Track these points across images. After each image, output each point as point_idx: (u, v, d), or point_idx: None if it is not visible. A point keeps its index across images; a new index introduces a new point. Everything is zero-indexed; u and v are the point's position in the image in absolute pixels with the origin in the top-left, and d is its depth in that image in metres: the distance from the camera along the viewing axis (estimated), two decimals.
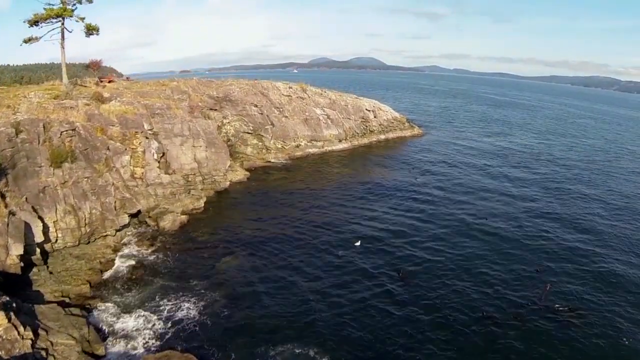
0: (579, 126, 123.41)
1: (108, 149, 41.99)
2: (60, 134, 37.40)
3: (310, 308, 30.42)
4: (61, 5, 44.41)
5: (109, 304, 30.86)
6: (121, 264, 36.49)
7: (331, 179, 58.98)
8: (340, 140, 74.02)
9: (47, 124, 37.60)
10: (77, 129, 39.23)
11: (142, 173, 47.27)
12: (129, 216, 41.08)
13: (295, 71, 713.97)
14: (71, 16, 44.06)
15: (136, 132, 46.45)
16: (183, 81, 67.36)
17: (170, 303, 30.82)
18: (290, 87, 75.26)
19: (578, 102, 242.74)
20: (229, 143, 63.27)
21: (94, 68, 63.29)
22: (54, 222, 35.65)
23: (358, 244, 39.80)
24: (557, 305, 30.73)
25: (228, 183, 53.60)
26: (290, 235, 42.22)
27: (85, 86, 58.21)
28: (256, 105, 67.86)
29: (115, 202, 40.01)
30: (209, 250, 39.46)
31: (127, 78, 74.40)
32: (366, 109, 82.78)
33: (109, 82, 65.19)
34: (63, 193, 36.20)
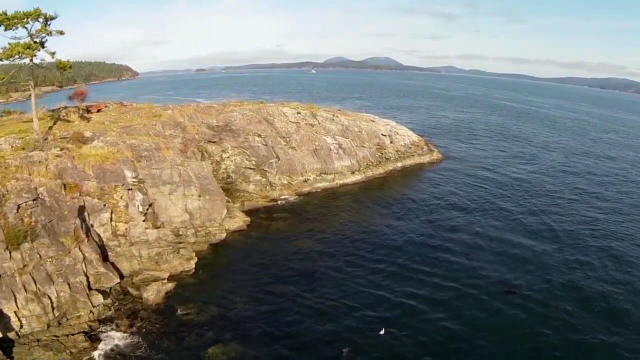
0: (603, 144, 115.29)
1: (80, 214, 35.68)
2: (18, 208, 31.09)
3: None
4: (28, 39, 38.19)
5: None
6: (96, 354, 30.63)
7: (343, 224, 52.26)
8: (353, 172, 67.23)
9: (2, 196, 31.31)
10: (40, 196, 32.93)
11: (126, 229, 41.15)
12: (104, 295, 34.98)
13: (313, 71, 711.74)
14: (35, 56, 37.72)
15: (116, 185, 40.12)
16: (179, 109, 61.07)
17: None
18: (298, 113, 68.60)
19: (597, 110, 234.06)
20: (228, 180, 57.00)
21: (79, 99, 57.13)
22: (14, 311, 30.04)
23: (382, 332, 33.08)
24: None
25: (224, 234, 47.21)
26: (292, 311, 35.76)
27: (68, 121, 52.24)
28: (260, 136, 61.31)
29: (88, 278, 33.96)
30: (196, 332, 33.29)
31: (121, 103, 68.13)
32: (382, 134, 75.83)
33: (98, 111, 59.16)
34: (22, 280, 30.15)
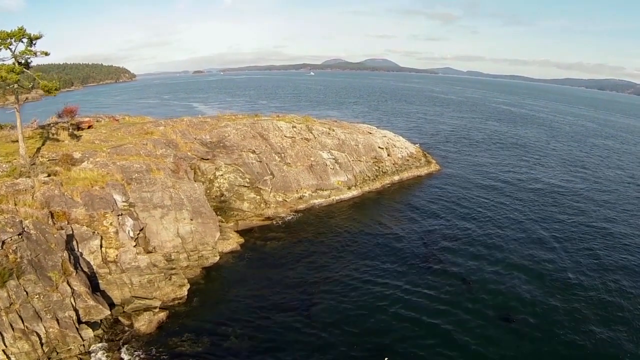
0: (601, 151, 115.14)
1: (67, 243, 34.63)
2: (3, 244, 30.02)
3: None
4: (12, 60, 37.14)
5: None
6: None
7: (339, 244, 51.29)
8: (349, 188, 66.22)
9: None
10: (25, 230, 31.82)
11: (116, 256, 40.05)
12: (94, 326, 34.00)
13: (312, 73, 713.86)
14: (17, 81, 36.58)
15: (105, 212, 39.07)
16: (171, 125, 59.93)
17: None
18: (294, 127, 67.52)
19: (595, 114, 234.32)
20: (222, 199, 55.94)
21: (70, 116, 56.08)
22: (2, 350, 29.10)
23: None
24: None
25: (217, 258, 46.04)
26: (289, 340, 34.78)
27: (58, 139, 51.16)
28: (254, 152, 60.28)
29: (77, 312, 32.87)
30: None
31: (113, 117, 67.13)
32: (379, 147, 74.96)
33: (89, 127, 58.13)
34: (9, 319, 29.07)
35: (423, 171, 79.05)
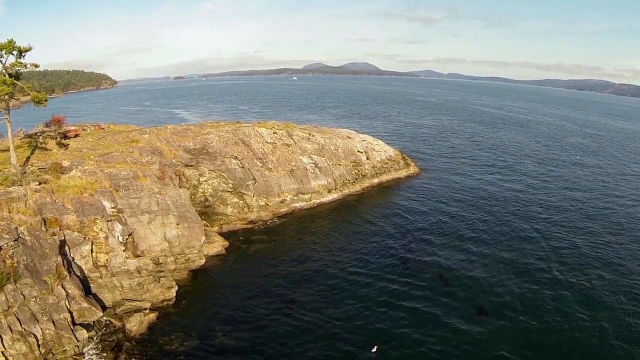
0: (578, 151, 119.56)
1: (60, 248, 36.36)
2: (0, 250, 31.74)
3: None
4: (3, 73, 38.68)
5: None
6: None
7: (320, 246, 53.60)
8: (329, 191, 68.61)
9: None
10: (20, 236, 33.57)
11: (107, 260, 41.80)
12: (88, 328, 35.68)
13: (295, 78, 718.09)
14: (9, 92, 38.11)
15: (95, 218, 40.83)
16: (156, 132, 61.73)
17: None
18: (274, 133, 69.73)
19: (573, 114, 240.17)
20: (206, 204, 57.87)
21: (57, 125, 57.54)
22: (1, 352, 30.79)
23: (374, 350, 34.58)
24: None
25: (203, 260, 48.05)
26: (274, 337, 36.84)
27: (46, 148, 52.67)
28: (236, 158, 62.32)
29: (72, 314, 34.59)
30: None
31: (99, 125, 68.64)
32: (358, 151, 77.49)
33: (75, 136, 59.68)
34: (8, 322, 30.78)
35: (402, 174, 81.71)
